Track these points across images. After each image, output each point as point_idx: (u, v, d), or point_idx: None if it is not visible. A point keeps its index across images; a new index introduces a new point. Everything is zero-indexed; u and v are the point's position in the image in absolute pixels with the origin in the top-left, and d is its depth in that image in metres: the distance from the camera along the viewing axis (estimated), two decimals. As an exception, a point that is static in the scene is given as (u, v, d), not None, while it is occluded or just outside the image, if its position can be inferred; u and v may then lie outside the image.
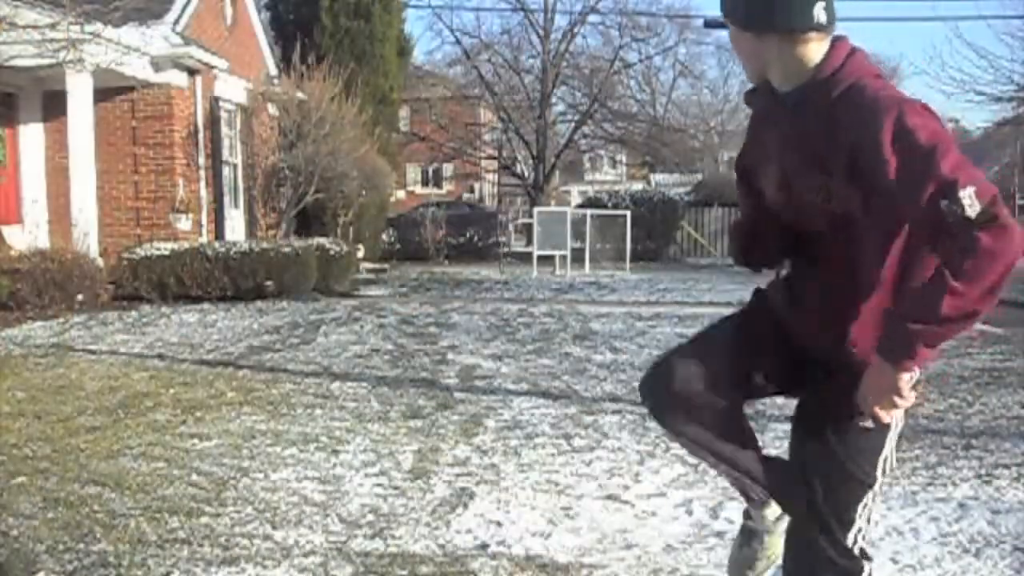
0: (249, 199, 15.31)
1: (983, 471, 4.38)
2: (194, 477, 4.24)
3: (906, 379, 1.86)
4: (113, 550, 3.34)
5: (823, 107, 1.91)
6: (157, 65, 12.50)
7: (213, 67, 13.65)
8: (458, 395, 6.11)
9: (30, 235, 11.76)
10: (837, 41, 1.97)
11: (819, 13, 1.92)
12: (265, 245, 12.10)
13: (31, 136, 12.77)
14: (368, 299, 12.57)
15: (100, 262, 11.16)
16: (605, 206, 21.63)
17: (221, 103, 14.10)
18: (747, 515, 2.45)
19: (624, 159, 43.76)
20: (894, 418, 2.02)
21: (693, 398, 2.15)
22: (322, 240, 13.43)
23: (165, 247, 11.61)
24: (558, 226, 17.87)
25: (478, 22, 50.41)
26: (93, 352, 7.65)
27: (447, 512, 3.79)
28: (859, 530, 2.09)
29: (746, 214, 2.26)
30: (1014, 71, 16.15)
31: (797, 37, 1.92)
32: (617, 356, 7.71)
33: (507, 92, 30.00)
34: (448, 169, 37.80)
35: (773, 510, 2.36)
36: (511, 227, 25.22)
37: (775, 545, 2.36)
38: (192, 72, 13.23)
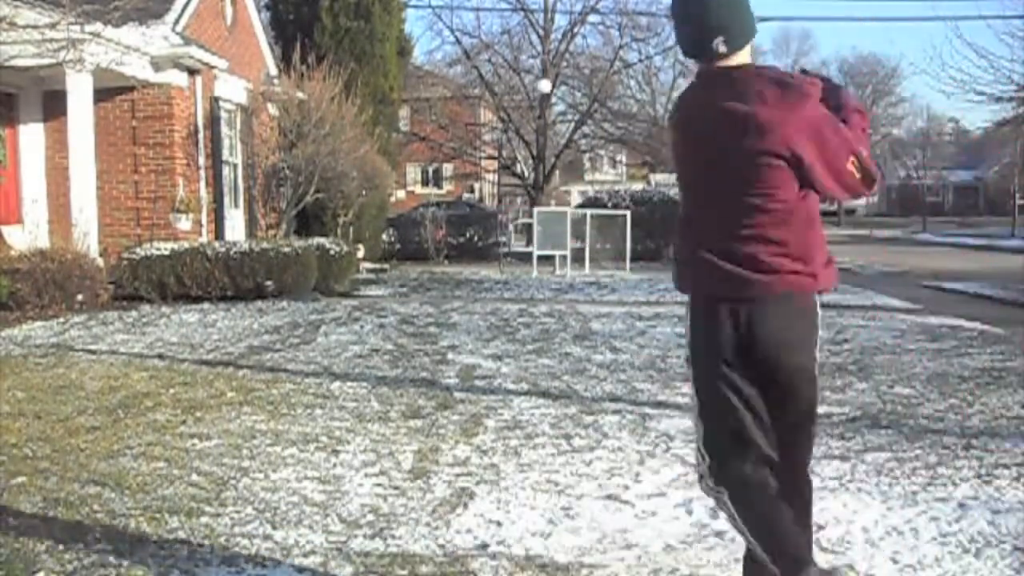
0: (249, 199, 15.32)
1: (983, 471, 4.38)
2: (194, 477, 4.24)
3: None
4: (113, 550, 3.34)
5: None
6: (157, 65, 12.50)
7: (213, 67, 13.65)
8: (458, 395, 6.11)
9: (30, 235, 11.75)
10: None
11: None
12: (265, 245, 12.09)
13: (31, 136, 12.77)
14: (368, 299, 12.57)
15: (100, 262, 11.16)
16: (605, 206, 21.59)
17: (221, 103, 14.10)
18: None
19: (624, 159, 43.75)
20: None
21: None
22: (322, 240, 13.43)
23: (165, 247, 11.61)
24: (558, 226, 17.85)
25: (478, 22, 50.24)
26: (93, 352, 7.65)
27: (447, 512, 3.79)
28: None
29: None
30: (1014, 71, 16.11)
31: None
32: (617, 356, 7.71)
33: (507, 92, 29.98)
34: (448, 169, 37.79)
35: None
36: (511, 227, 25.18)
37: None
38: (192, 72, 13.23)
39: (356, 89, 16.31)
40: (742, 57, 2.45)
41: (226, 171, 14.46)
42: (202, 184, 13.53)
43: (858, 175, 2.39)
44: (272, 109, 15.46)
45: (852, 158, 2.38)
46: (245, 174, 15.18)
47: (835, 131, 2.38)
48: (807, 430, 2.60)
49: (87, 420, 5.30)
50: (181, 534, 3.51)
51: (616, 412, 5.60)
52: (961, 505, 3.89)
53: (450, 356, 7.68)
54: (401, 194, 32.22)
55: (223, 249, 11.64)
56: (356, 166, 15.53)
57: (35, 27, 9.90)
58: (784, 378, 2.49)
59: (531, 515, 3.75)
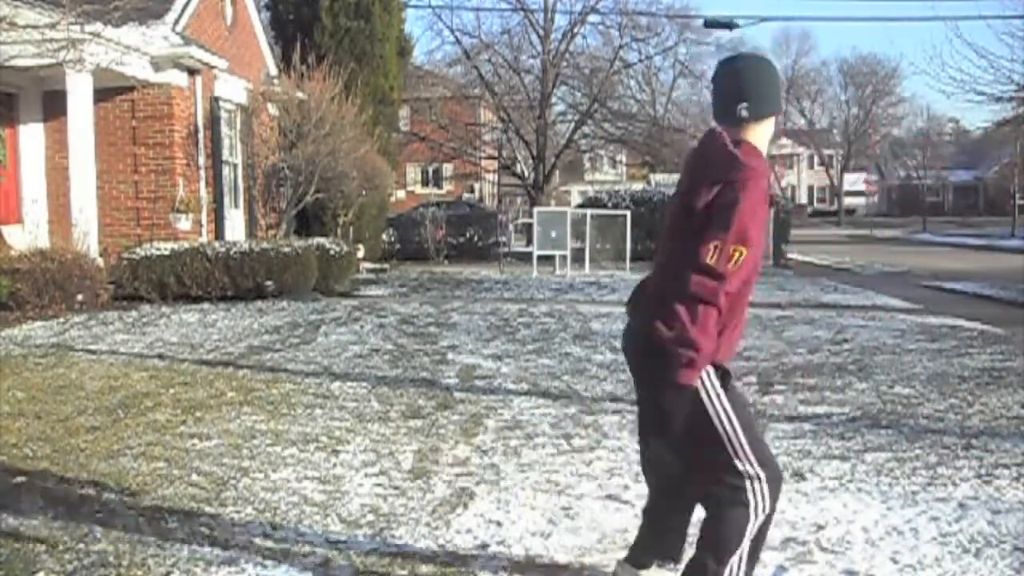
0: (249, 199, 15.31)
1: (983, 471, 4.38)
2: (194, 477, 4.24)
3: None
4: (113, 550, 3.34)
5: None
6: (157, 65, 12.50)
7: (213, 67, 13.65)
8: (458, 395, 6.11)
9: (30, 235, 11.75)
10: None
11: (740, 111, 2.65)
12: (265, 245, 12.09)
13: (31, 136, 12.77)
14: (368, 299, 12.57)
15: (100, 262, 11.16)
16: (605, 206, 21.58)
17: (221, 103, 14.10)
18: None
19: (624, 159, 43.73)
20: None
21: None
22: (322, 240, 13.43)
23: (165, 247, 11.61)
24: (558, 226, 17.85)
25: (478, 22, 50.14)
26: (93, 352, 7.65)
27: (447, 512, 3.79)
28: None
29: None
30: (1014, 71, 16.10)
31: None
32: (617, 356, 7.70)
33: (507, 92, 29.96)
34: (448, 169, 37.77)
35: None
36: (511, 227, 25.17)
37: None
38: (192, 72, 13.23)
39: (356, 89, 16.30)
40: (761, 129, 2.69)
41: (226, 171, 14.45)
42: (202, 184, 13.53)
43: (708, 260, 2.47)
44: (272, 109, 15.46)
45: (713, 244, 2.48)
46: (245, 174, 15.17)
47: (725, 214, 2.49)
48: (692, 448, 2.71)
49: (87, 420, 5.30)
50: (181, 534, 3.51)
51: (616, 412, 5.59)
52: (961, 505, 3.89)
53: (450, 356, 7.68)
54: (401, 194, 32.21)
55: (223, 249, 11.64)
56: (356, 166, 15.52)
57: (35, 27, 9.90)
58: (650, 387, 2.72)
59: (531, 515, 3.75)
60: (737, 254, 2.48)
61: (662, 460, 2.87)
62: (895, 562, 3.28)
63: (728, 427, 2.61)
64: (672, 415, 2.66)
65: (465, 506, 3.86)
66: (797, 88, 61.96)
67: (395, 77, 19.71)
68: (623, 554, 3.35)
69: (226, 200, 14.41)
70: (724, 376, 2.65)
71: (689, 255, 2.51)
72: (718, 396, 2.61)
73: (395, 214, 23.31)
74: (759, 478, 2.61)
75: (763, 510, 2.62)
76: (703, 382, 2.60)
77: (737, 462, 2.60)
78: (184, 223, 12.90)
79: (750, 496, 2.60)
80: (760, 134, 2.69)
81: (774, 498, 2.65)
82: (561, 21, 29.40)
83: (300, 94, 14.86)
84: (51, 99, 12.47)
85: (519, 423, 5.32)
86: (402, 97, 22.45)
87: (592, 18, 29.55)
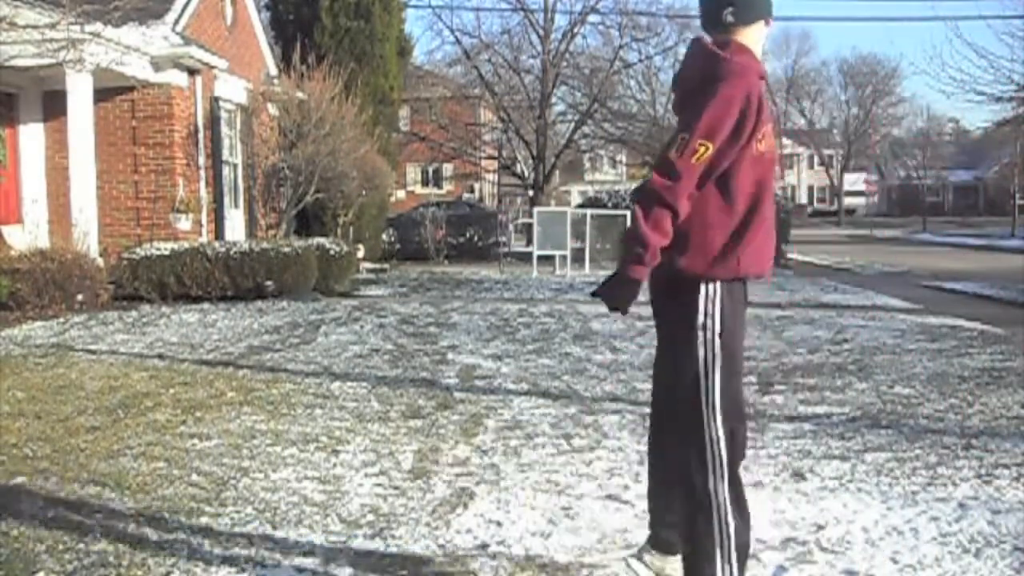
0: (249, 199, 15.31)
1: (983, 471, 4.38)
2: (194, 477, 4.24)
3: None
4: (113, 550, 3.34)
5: None
6: (157, 65, 12.50)
7: (213, 67, 13.65)
8: (458, 395, 6.11)
9: (30, 235, 11.75)
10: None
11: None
12: (265, 245, 12.09)
13: (31, 136, 12.77)
14: (368, 299, 12.57)
15: (100, 262, 11.17)
16: (605, 206, 21.60)
17: (221, 103, 14.10)
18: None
19: (624, 159, 43.74)
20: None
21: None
22: (322, 240, 13.43)
23: (165, 247, 11.61)
24: (558, 226, 17.85)
25: (478, 22, 50.21)
26: (93, 352, 7.65)
27: (447, 512, 3.79)
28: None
29: None
30: (1014, 71, 16.13)
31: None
32: (617, 356, 7.71)
33: (507, 92, 29.98)
34: (448, 169, 37.79)
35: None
36: (511, 227, 25.19)
37: None
38: (192, 72, 13.23)
39: (356, 89, 16.30)
40: (750, 34, 2.59)
41: (226, 171, 14.46)
42: (202, 184, 13.53)
43: (670, 154, 2.46)
44: (272, 109, 15.46)
45: (680, 136, 2.46)
46: (245, 174, 15.18)
47: (698, 107, 2.44)
48: (682, 393, 2.62)
49: (87, 420, 5.30)
50: (181, 534, 3.51)
51: (616, 412, 5.60)
52: (961, 505, 3.88)
53: (450, 356, 7.68)
54: (401, 194, 32.21)
55: (223, 249, 11.64)
56: (356, 166, 15.53)
57: (35, 27, 9.90)
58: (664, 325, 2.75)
59: (531, 515, 3.75)
60: (703, 149, 2.40)
61: (661, 377, 2.82)
62: (895, 562, 3.28)
63: (708, 359, 2.54)
64: (670, 330, 2.68)
65: (465, 506, 3.86)
66: (797, 88, 62.01)
67: (395, 77, 19.72)
68: (623, 554, 3.35)
69: (226, 200, 14.42)
70: (740, 297, 2.59)
71: None
72: (711, 316, 2.55)
73: (395, 214, 23.32)
74: (718, 439, 2.54)
75: (721, 467, 2.54)
76: (703, 300, 2.56)
77: (704, 406, 2.54)
78: (184, 223, 12.90)
79: (708, 457, 2.54)
80: (750, 39, 2.59)
81: (733, 456, 2.57)
82: (561, 21, 29.45)
83: (300, 94, 14.87)
84: (51, 99, 12.48)
85: (519, 423, 5.32)
86: (402, 97, 22.47)
87: (592, 18, 29.60)
